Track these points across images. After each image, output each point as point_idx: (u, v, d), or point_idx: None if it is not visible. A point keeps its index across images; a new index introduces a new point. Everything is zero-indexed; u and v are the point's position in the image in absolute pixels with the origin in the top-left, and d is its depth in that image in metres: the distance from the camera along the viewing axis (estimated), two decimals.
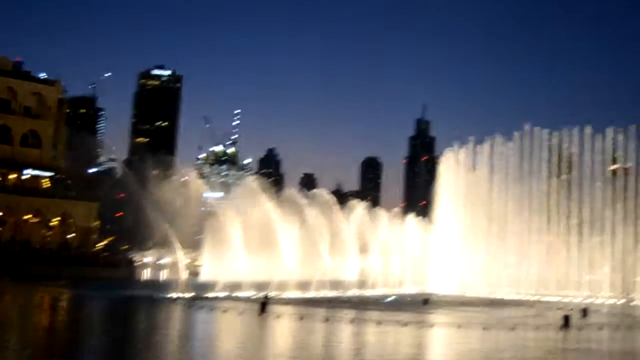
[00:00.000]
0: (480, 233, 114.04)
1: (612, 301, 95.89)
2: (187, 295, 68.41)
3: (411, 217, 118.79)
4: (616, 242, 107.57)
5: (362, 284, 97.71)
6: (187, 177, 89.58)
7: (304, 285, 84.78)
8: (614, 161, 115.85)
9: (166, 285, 76.42)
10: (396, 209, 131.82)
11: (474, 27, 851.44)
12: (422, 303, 72.92)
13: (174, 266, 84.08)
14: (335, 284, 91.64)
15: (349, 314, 53.58)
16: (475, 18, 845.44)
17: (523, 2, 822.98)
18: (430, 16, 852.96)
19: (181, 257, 79.99)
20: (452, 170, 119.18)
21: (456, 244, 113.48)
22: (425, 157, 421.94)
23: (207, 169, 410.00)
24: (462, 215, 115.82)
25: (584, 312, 59.62)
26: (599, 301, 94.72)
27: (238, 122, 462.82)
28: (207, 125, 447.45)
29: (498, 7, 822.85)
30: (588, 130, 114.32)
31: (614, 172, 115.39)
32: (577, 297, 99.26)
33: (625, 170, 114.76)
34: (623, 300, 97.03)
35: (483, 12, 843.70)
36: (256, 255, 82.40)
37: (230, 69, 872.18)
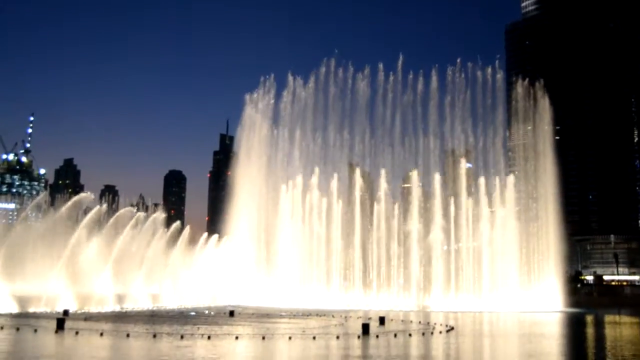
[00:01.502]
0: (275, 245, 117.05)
1: (408, 309, 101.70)
2: None
3: (212, 233, 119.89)
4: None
5: (165, 298, 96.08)
6: None
7: (106, 300, 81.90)
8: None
9: None
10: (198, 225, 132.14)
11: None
12: (228, 315, 73.16)
13: None
14: (139, 298, 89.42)
15: (152, 328, 52.27)
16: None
17: None
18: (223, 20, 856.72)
19: None
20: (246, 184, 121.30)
21: (253, 256, 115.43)
22: (229, 172, 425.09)
23: None
24: (258, 230, 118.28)
25: (381, 320, 62.61)
26: (398, 309, 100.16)
27: (31, 130, 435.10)
28: None
29: None
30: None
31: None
32: (376, 306, 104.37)
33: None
34: (417, 308, 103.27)
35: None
36: (53, 269, 78.39)
37: (24, 70, 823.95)
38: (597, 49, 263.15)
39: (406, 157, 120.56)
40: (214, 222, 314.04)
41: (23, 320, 57.77)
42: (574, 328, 72.68)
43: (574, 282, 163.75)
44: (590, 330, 70.19)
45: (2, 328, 49.82)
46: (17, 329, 49.05)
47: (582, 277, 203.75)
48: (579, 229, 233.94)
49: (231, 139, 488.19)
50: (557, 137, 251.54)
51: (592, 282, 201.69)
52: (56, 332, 47.66)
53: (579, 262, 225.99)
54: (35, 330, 48.14)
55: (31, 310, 70.36)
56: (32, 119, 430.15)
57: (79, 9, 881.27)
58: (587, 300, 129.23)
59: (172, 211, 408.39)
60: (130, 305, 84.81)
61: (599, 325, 77.09)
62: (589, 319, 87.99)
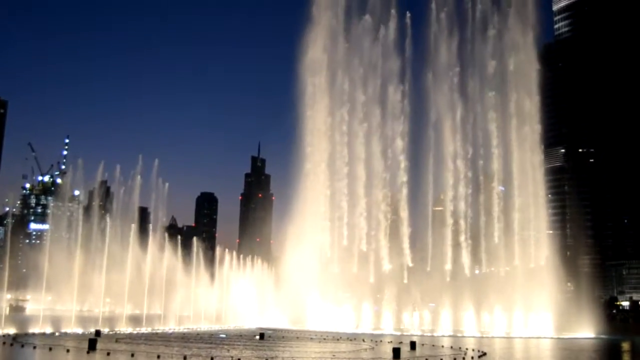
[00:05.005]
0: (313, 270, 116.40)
1: (440, 334, 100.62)
2: (10, 331, 64.37)
3: (242, 255, 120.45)
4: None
5: (196, 319, 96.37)
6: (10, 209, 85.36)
7: (137, 321, 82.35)
8: None
9: None
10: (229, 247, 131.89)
11: None
12: (259, 338, 72.97)
13: None
14: (170, 319, 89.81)
15: (182, 350, 52.33)
16: None
17: None
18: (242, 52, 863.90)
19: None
20: None
21: (288, 280, 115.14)
22: (261, 195, 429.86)
23: (33, 200, 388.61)
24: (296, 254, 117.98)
25: (412, 345, 61.98)
26: (430, 333, 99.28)
27: (66, 152, 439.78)
28: (33, 154, 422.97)
29: None
30: None
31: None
32: (407, 331, 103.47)
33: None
34: (450, 333, 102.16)
35: None
36: (86, 289, 79.20)
37: (59, 96, 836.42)
38: (632, 70, 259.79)
39: (437, 179, 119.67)
40: (245, 244, 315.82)
41: (56, 340, 58.28)
42: (609, 355, 71.23)
43: (609, 308, 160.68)
44: (626, 359, 68.80)
45: (35, 348, 50.32)
46: (50, 349, 49.47)
47: (618, 303, 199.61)
48: (614, 254, 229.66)
49: (262, 161, 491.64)
50: (592, 160, 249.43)
51: (627, 307, 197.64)
52: (88, 352, 47.97)
53: (614, 287, 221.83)
54: (68, 351, 48.49)
55: (63, 330, 70.94)
56: (67, 141, 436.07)
57: (110, 43, 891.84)
58: (622, 326, 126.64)
59: (204, 233, 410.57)
60: (161, 327, 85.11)
61: (636, 352, 75.54)
62: (625, 346, 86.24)
